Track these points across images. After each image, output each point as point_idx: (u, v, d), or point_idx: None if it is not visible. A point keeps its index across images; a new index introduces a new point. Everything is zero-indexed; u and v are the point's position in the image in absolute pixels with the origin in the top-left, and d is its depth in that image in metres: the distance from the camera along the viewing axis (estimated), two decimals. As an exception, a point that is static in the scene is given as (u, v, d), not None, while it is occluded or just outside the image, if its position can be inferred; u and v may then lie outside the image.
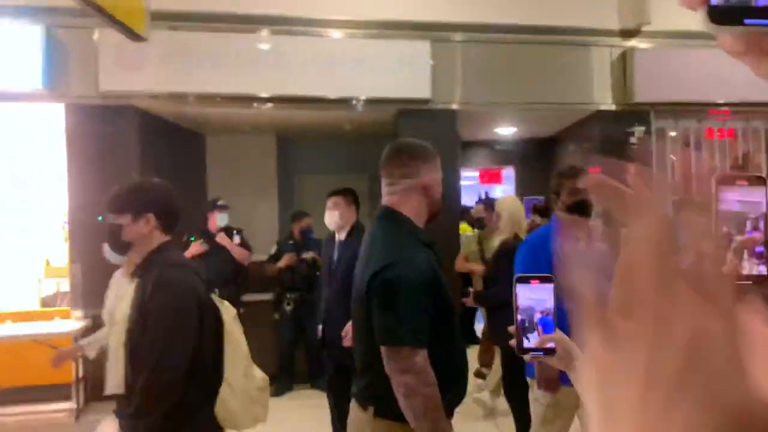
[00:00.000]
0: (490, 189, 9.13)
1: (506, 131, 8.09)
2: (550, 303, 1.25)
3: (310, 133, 7.82)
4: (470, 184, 9.60)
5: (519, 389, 3.30)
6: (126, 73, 5.49)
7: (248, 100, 5.98)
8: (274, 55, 5.88)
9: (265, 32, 5.92)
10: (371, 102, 6.09)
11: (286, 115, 6.52)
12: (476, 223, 5.57)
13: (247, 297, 5.79)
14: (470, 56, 6.24)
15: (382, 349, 1.76)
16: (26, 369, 5.44)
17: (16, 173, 6.95)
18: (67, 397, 5.51)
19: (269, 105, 6.04)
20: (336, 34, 6.05)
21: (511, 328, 1.25)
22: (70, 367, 5.38)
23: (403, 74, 6.01)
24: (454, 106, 6.25)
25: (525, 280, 1.26)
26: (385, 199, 2.01)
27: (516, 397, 3.66)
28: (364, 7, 6.05)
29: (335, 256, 4.14)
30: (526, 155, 8.65)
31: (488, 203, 5.26)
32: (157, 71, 5.59)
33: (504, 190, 9.47)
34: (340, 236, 4.20)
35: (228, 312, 2.24)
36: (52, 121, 5.92)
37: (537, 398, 2.95)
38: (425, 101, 6.10)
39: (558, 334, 1.22)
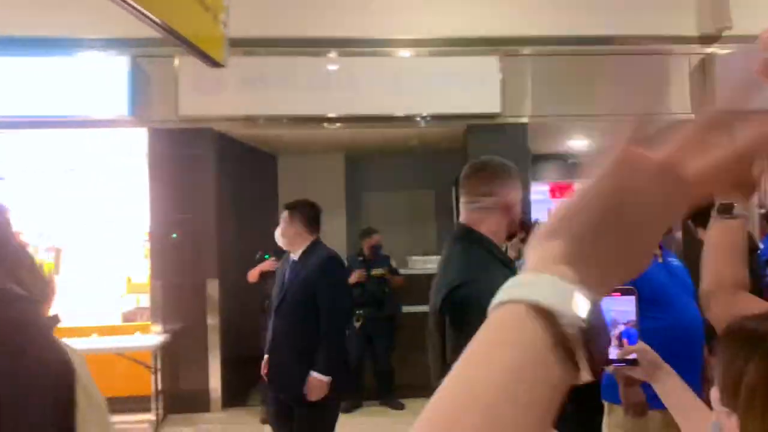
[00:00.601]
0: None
1: (579, 144, 7.99)
2: (632, 315, 1.26)
3: (377, 151, 7.98)
4: (540, 198, 9.50)
5: (589, 411, 3.12)
6: (204, 97, 5.80)
7: (318, 120, 6.17)
8: (342, 76, 6.07)
9: (333, 54, 6.11)
10: (440, 118, 6.17)
11: (354, 133, 6.68)
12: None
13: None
14: (540, 69, 6.24)
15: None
16: (108, 380, 5.75)
17: (101, 194, 7.41)
18: (146, 409, 5.79)
19: (338, 125, 6.23)
20: (403, 52, 6.18)
21: None
22: (149, 380, 5.66)
23: (471, 89, 6.06)
24: (524, 120, 6.25)
25: None
26: (464, 217, 2.01)
27: (584, 418, 3.30)
28: (431, 25, 6.16)
29: (285, 278, 3.51)
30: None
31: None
32: (233, 95, 5.86)
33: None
34: (294, 255, 3.54)
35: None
36: (135, 145, 6.29)
37: (618, 424, 2.77)
38: (495, 116, 6.13)
39: (641, 345, 1.22)
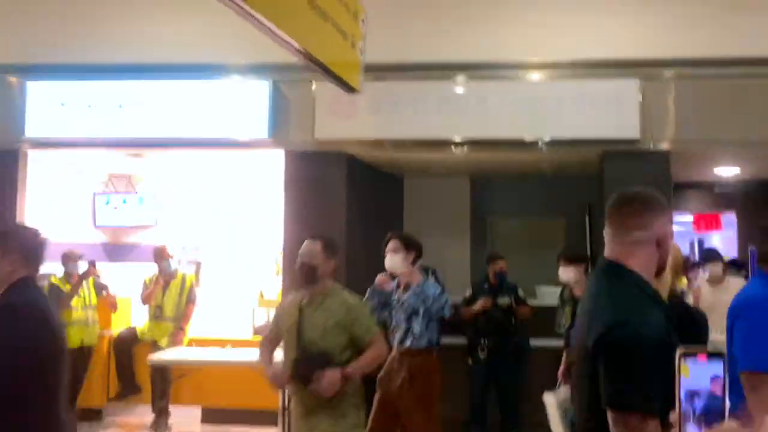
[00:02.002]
0: (705, 236, 8.48)
1: (727, 172, 7.51)
2: (719, 384, 1.11)
3: (505, 175, 7.94)
4: (682, 230, 9.00)
5: None
6: (338, 121, 6.08)
7: (445, 143, 6.26)
8: (471, 99, 6.12)
9: (462, 77, 6.20)
10: (573, 143, 6.05)
11: (481, 157, 6.70)
12: None
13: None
14: (684, 92, 5.95)
15: (609, 414, 1.68)
16: (240, 392, 6.12)
17: (239, 212, 7.95)
18: (273, 423, 6.07)
19: (465, 148, 6.28)
20: (535, 75, 6.15)
21: (673, 416, 1.12)
22: (277, 395, 5.93)
23: (608, 114, 5.90)
24: (666, 146, 5.98)
25: (691, 355, 1.13)
26: (611, 251, 1.95)
27: None
28: (565, 47, 6.07)
29: None
30: (750, 199, 7.93)
31: None
32: (365, 119, 6.09)
33: (724, 238, 8.73)
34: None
35: None
36: (270, 166, 6.70)
37: None
38: (633, 141, 5.92)
39: (729, 424, 1.09)
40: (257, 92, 6.25)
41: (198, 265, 7.66)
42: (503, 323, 5.89)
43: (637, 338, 1.68)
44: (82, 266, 6.33)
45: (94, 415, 6.43)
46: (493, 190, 8.28)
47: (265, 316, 7.03)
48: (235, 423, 6.21)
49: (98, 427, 6.31)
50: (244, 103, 6.28)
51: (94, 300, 6.28)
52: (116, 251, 8.47)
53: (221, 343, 6.19)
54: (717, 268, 6.26)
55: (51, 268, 6.32)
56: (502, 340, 5.88)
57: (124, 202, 8.08)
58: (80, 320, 6.08)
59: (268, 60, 6.08)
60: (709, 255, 6.56)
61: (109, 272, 7.14)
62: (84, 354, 6.12)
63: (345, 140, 6.19)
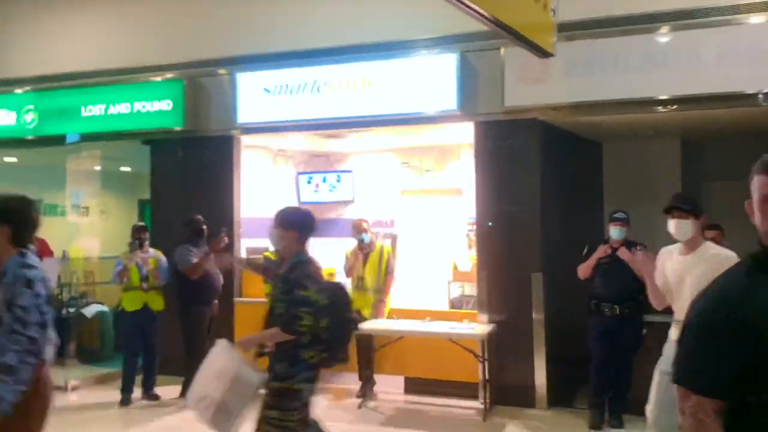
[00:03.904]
0: None
1: None
2: None
3: (722, 135, 7.25)
4: None
5: None
6: (528, 87, 5.97)
7: (649, 103, 5.87)
8: (679, 53, 5.67)
9: (666, 29, 5.75)
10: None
11: (692, 115, 6.18)
12: None
13: (649, 317, 5.67)
14: None
15: None
16: (440, 364, 6.34)
17: (432, 185, 8.17)
18: (474, 396, 6.22)
19: (674, 107, 5.84)
20: (756, 18, 5.51)
21: None
22: (476, 368, 6.07)
23: None
24: None
25: None
26: None
27: None
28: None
29: None
30: None
31: None
32: (557, 83, 5.92)
33: None
34: None
35: None
36: (462, 138, 6.79)
37: None
38: None
39: None
40: (445, 65, 6.36)
41: (394, 238, 8.01)
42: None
43: (697, 313, 1.58)
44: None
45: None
46: (708, 151, 7.60)
47: (459, 289, 7.19)
48: (436, 394, 6.46)
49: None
50: (432, 77, 6.42)
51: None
52: (319, 227, 9.14)
53: (421, 315, 6.46)
54: None
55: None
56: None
57: (324, 180, 8.67)
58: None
59: (455, 31, 6.15)
60: None
61: (313, 246, 7.73)
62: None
63: (537, 107, 6.08)
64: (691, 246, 3.77)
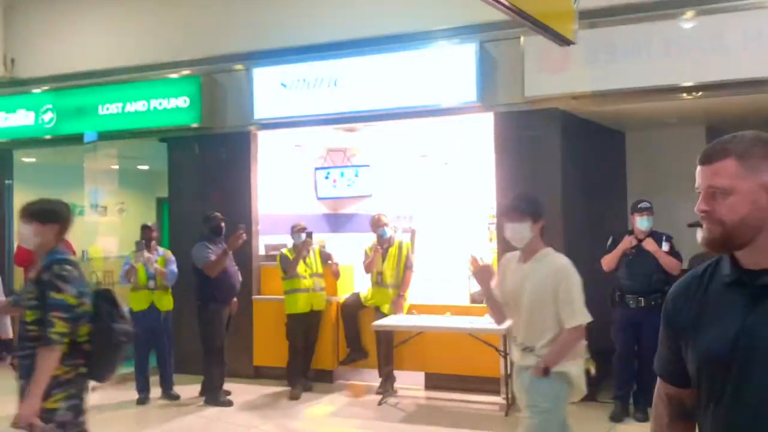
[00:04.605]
0: None
1: None
2: None
3: (748, 122, 7.09)
4: None
5: None
6: (549, 76, 5.89)
7: (673, 91, 5.77)
8: (703, 38, 5.55)
9: (690, 13, 5.64)
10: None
11: (717, 103, 6.07)
12: None
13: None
14: None
15: None
16: (461, 359, 6.30)
17: (450, 178, 8.11)
18: (496, 392, 6.17)
19: (698, 94, 5.73)
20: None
21: None
22: (498, 362, 6.02)
23: None
24: None
25: None
26: None
27: None
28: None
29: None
30: None
31: None
32: (579, 71, 5.82)
33: None
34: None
35: None
36: (480, 129, 6.72)
37: None
38: None
39: None
40: (464, 55, 6.30)
41: (413, 232, 7.97)
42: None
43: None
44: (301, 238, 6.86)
45: (325, 376, 7.05)
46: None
47: (482, 283, 7.12)
48: (457, 390, 6.42)
49: (329, 388, 6.91)
50: (451, 68, 6.37)
51: (320, 268, 6.83)
52: (337, 221, 9.15)
53: (440, 310, 6.41)
54: None
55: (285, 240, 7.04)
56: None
57: (342, 175, 8.65)
58: (308, 287, 6.67)
59: (473, 21, 6.08)
60: None
61: (331, 242, 7.72)
62: (313, 318, 6.73)
63: (558, 96, 5.99)
64: (529, 252, 3.40)
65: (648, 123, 7.18)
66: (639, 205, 5.52)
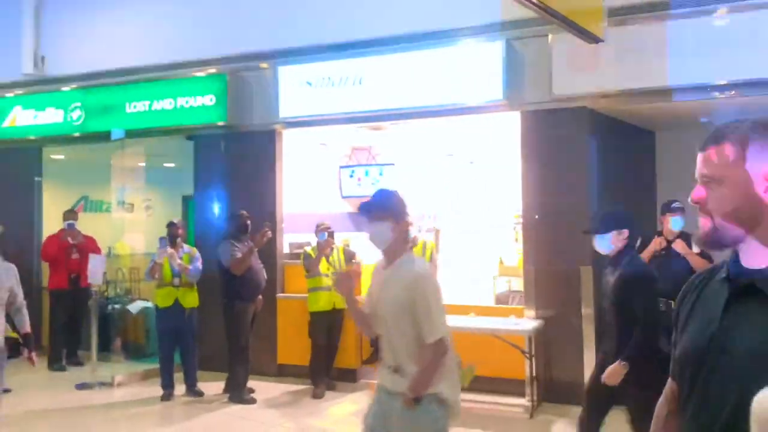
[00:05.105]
0: None
1: None
2: None
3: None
4: None
5: None
6: (577, 75, 5.82)
7: (705, 89, 5.67)
8: (736, 36, 5.44)
9: (723, 10, 5.52)
10: None
11: (752, 101, 5.94)
12: None
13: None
14: None
15: None
16: (485, 360, 6.24)
17: (476, 178, 8.07)
18: (521, 394, 6.12)
19: (732, 92, 5.62)
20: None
21: None
22: (523, 364, 5.97)
23: None
24: None
25: None
26: None
27: None
28: None
29: None
30: None
31: None
32: (607, 70, 5.75)
33: None
34: None
35: None
36: (507, 128, 6.66)
37: None
38: None
39: None
40: (490, 53, 6.25)
41: (437, 232, 7.95)
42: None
43: None
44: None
45: (349, 375, 7.06)
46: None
47: (506, 284, 7.09)
48: (481, 392, 6.37)
49: (353, 387, 6.91)
50: (477, 66, 6.32)
51: (344, 267, 6.84)
52: (361, 220, 9.13)
53: (465, 310, 6.37)
54: None
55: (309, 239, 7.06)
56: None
57: (367, 174, 8.66)
58: (330, 285, 6.67)
59: (500, 18, 6.03)
60: None
61: (356, 241, 7.73)
62: (336, 316, 6.74)
63: (586, 95, 5.93)
64: (389, 257, 3.02)
65: (679, 122, 7.06)
66: (672, 205, 5.43)
